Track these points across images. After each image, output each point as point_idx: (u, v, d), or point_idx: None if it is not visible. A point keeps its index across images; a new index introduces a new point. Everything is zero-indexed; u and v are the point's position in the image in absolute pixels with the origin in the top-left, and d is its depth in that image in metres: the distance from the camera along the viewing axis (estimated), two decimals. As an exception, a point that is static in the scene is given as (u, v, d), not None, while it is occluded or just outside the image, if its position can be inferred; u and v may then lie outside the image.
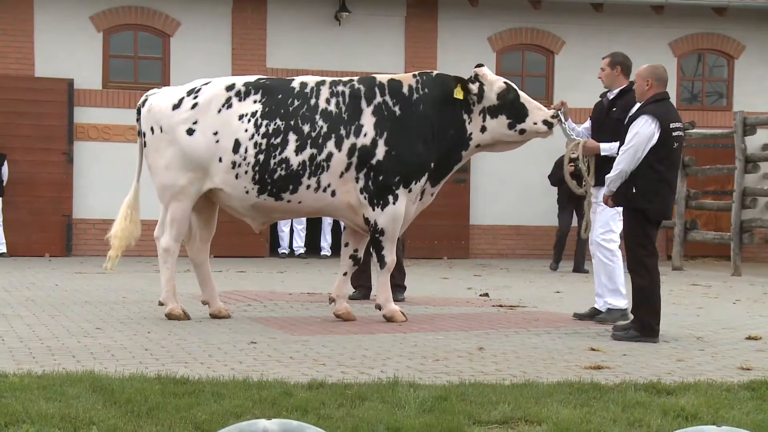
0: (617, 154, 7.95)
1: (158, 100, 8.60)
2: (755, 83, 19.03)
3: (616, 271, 8.74)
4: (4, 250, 16.08)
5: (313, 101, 8.40)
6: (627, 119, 7.99)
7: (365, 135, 8.34)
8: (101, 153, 16.79)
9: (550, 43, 18.39)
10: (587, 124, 9.05)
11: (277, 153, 8.28)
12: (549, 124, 8.48)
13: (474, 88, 8.42)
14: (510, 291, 11.76)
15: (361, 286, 10.48)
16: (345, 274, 8.79)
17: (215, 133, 8.34)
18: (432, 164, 8.44)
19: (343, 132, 8.33)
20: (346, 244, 8.80)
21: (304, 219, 16.99)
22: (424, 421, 4.72)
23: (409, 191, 8.40)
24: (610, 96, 8.92)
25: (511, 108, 8.44)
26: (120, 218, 8.81)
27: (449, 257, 17.58)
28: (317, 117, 8.34)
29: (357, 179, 8.34)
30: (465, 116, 8.46)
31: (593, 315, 8.83)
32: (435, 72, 8.73)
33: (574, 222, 15.24)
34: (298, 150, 8.29)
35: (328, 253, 17.35)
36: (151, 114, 8.56)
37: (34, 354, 6.55)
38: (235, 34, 17.31)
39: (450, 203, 17.04)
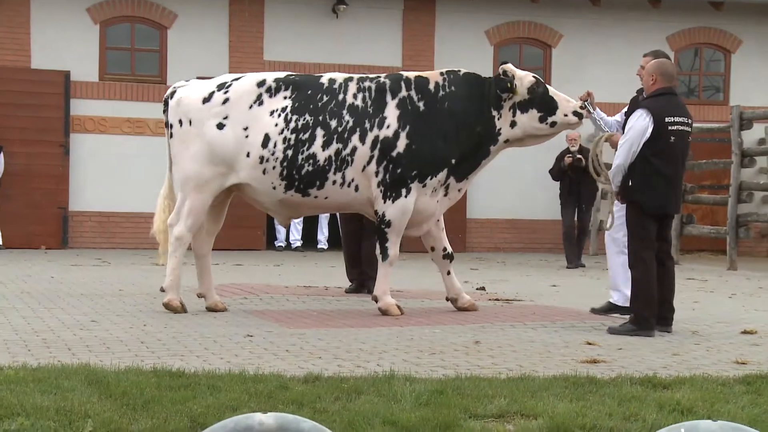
0: None
1: (188, 92, 8.56)
2: (752, 78, 19.05)
3: None
4: (0, 242, 16.08)
5: (341, 97, 8.46)
6: (627, 114, 8.03)
7: (388, 126, 8.41)
8: (98, 145, 16.79)
9: (548, 37, 18.39)
10: (618, 117, 9.00)
11: (304, 148, 8.33)
12: (579, 115, 8.59)
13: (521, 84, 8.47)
14: (506, 285, 11.76)
15: (356, 280, 10.47)
16: (448, 273, 8.95)
17: (245, 129, 8.35)
18: (453, 161, 8.50)
19: (367, 125, 8.40)
20: (432, 249, 8.94)
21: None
22: (421, 414, 4.72)
23: (423, 186, 8.46)
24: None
25: (541, 101, 8.53)
26: (159, 211, 8.78)
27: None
28: (344, 112, 8.41)
29: (377, 173, 8.39)
30: (494, 112, 8.54)
31: (609, 310, 8.81)
32: (462, 70, 8.77)
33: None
34: (325, 145, 8.35)
35: (325, 247, 17.36)
36: (181, 106, 8.51)
37: (30, 347, 6.54)
38: (233, 26, 17.28)
39: (447, 197, 17.00)
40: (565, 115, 8.57)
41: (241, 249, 16.43)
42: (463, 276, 12.82)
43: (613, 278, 8.91)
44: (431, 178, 8.47)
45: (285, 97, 8.43)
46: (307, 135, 8.34)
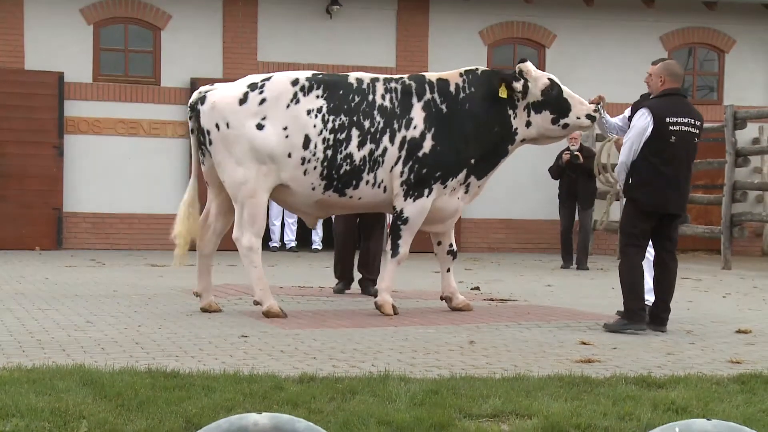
0: None
1: (221, 95, 8.43)
2: (745, 77, 19.08)
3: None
4: (-6, 243, 16.07)
5: (371, 97, 8.51)
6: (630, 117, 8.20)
7: (415, 127, 8.49)
8: (92, 146, 16.76)
9: (542, 37, 18.40)
10: (621, 117, 9.00)
11: (342, 148, 8.36)
12: (592, 118, 8.68)
13: (518, 86, 8.53)
14: (501, 285, 11.77)
15: (344, 278, 10.49)
16: (448, 270, 9.04)
17: (285, 128, 8.32)
18: (472, 161, 8.59)
19: (396, 126, 8.47)
20: (439, 243, 9.05)
21: (295, 212, 16.95)
22: (415, 414, 4.72)
23: (444, 187, 8.56)
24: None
25: (555, 103, 8.60)
26: (182, 218, 8.58)
27: (440, 251, 17.54)
28: (375, 113, 8.46)
29: (402, 173, 8.44)
30: (510, 112, 8.61)
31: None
32: (481, 69, 8.81)
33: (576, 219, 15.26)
34: (360, 145, 8.40)
35: (319, 247, 17.35)
36: (216, 110, 8.35)
37: (24, 347, 6.53)
38: (227, 27, 17.27)
39: (441, 197, 17.01)
40: (578, 118, 8.66)
41: (235, 249, 16.33)
42: (458, 276, 12.82)
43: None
44: (452, 179, 8.57)
45: (317, 96, 8.42)
46: (343, 135, 8.38)
